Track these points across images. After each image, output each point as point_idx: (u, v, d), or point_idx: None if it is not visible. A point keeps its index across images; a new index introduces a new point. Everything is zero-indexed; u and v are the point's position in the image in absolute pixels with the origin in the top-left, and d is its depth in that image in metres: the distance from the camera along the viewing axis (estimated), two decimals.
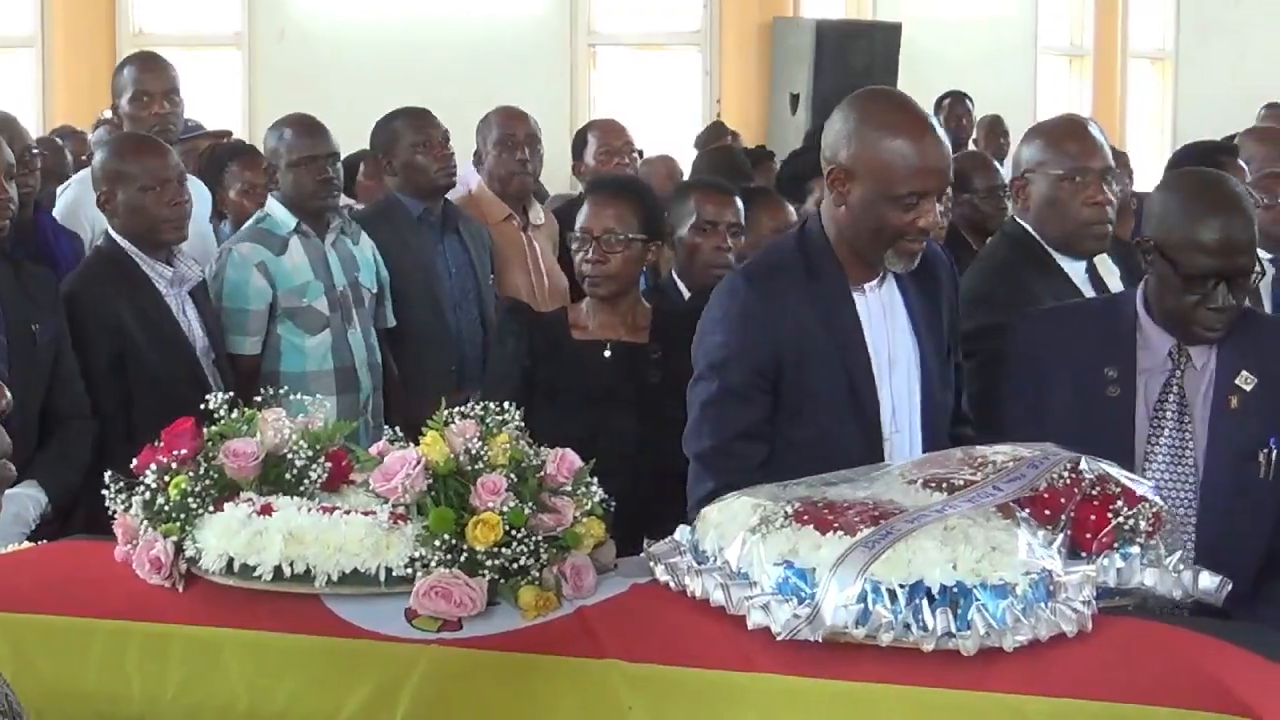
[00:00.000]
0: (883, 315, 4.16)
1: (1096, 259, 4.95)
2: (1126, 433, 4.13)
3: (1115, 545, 3.25)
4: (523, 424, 3.45)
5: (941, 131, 4.07)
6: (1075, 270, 4.78)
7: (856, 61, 14.12)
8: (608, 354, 5.08)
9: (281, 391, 3.87)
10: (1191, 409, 4.13)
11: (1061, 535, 3.19)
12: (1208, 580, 3.30)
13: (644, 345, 5.09)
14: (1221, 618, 3.43)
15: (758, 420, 4.09)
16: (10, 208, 5.27)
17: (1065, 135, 4.86)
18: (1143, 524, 3.28)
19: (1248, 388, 4.09)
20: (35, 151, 6.66)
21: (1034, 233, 4.78)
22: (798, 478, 3.47)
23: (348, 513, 3.34)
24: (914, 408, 4.20)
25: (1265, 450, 4.08)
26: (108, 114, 8.58)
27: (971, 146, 11.68)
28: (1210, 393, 4.13)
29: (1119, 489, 3.32)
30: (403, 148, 6.74)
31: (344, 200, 6.97)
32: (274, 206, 6.16)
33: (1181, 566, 3.30)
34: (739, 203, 5.82)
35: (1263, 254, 6.30)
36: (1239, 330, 4.13)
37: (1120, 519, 3.27)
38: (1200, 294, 4.02)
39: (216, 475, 3.43)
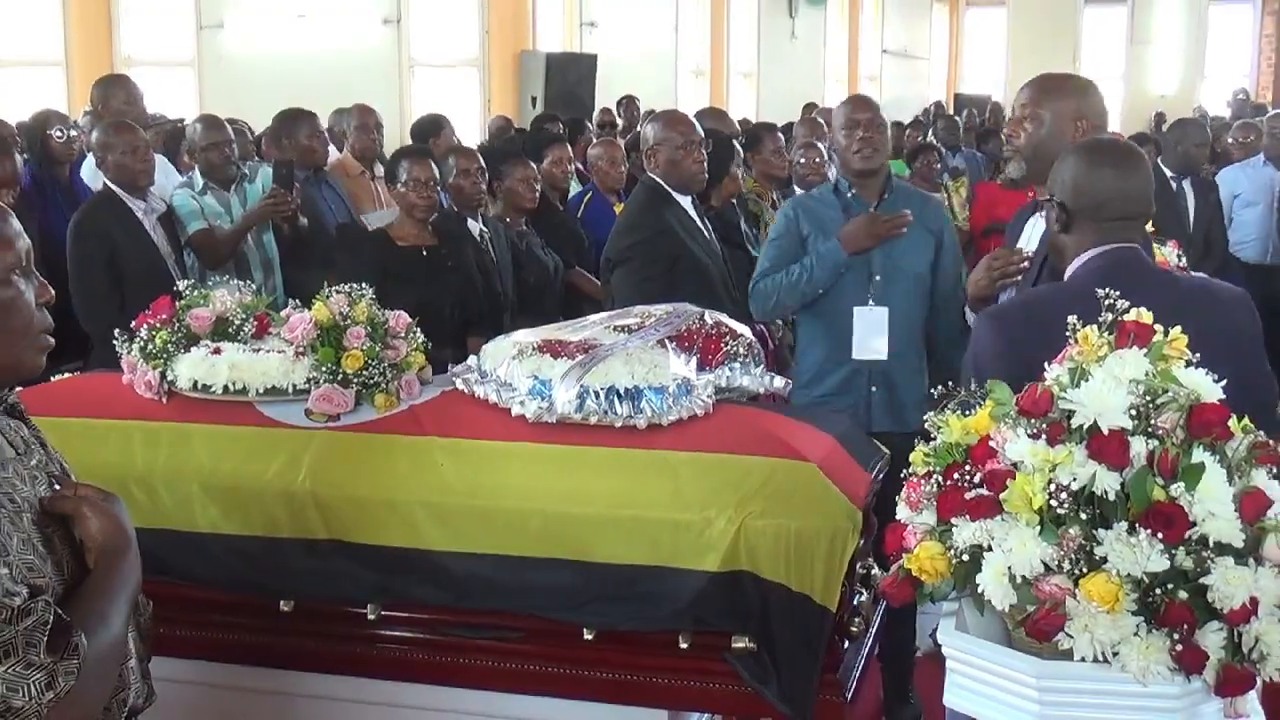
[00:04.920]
0: None
1: None
2: None
3: (725, 362, 3.29)
4: (375, 297, 3.42)
5: None
6: (685, 202, 4.85)
7: (570, 77, 14.21)
8: (425, 254, 5.03)
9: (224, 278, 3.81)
10: None
11: (694, 357, 3.23)
12: (779, 381, 3.39)
13: (437, 245, 5.07)
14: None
15: None
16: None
17: (677, 121, 4.95)
18: (741, 349, 3.33)
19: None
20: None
21: (661, 181, 4.83)
22: None
23: (269, 352, 3.31)
24: None
25: None
26: None
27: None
28: None
29: (727, 329, 3.36)
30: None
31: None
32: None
33: (764, 374, 3.37)
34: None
35: (800, 191, 6.41)
36: None
37: (728, 346, 3.31)
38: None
39: (185, 330, 3.37)
